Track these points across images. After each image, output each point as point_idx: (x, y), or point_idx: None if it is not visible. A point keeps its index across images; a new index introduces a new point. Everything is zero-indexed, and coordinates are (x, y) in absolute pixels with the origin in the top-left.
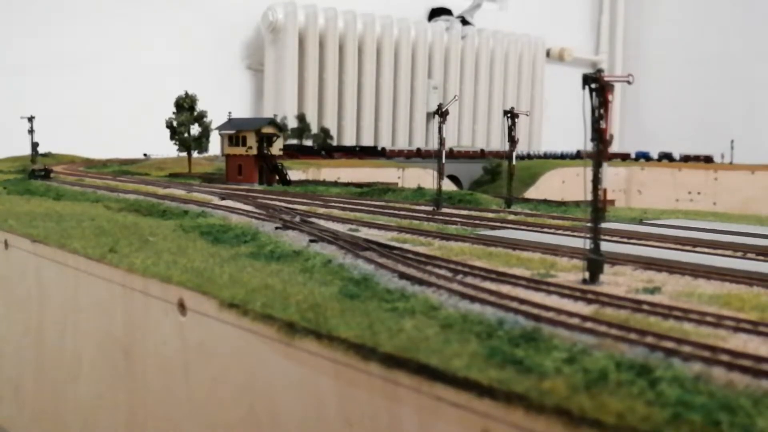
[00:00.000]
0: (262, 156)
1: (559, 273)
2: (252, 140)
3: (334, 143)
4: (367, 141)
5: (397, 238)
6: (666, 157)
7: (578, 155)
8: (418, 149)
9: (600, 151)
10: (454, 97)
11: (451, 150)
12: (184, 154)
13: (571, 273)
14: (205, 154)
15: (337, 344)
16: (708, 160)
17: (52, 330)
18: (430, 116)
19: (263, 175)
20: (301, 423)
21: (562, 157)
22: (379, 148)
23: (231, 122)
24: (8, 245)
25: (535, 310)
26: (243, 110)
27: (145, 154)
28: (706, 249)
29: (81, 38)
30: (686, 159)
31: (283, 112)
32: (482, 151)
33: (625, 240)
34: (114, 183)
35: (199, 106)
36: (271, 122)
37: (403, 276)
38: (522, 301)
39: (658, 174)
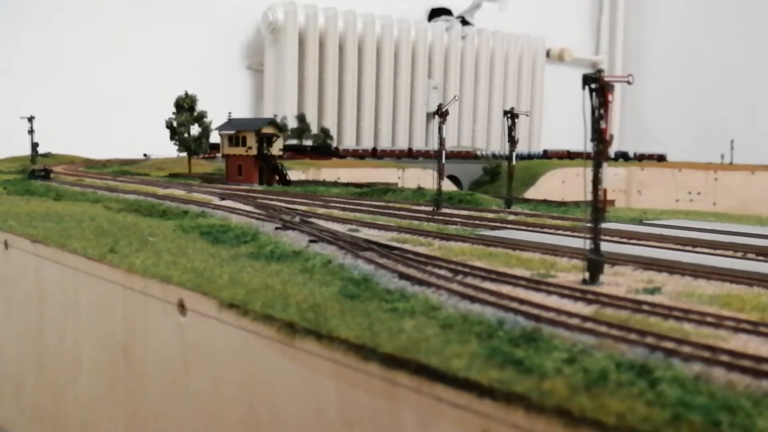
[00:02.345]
0: (262, 156)
1: (559, 273)
2: (252, 140)
3: (334, 143)
4: (368, 141)
5: (397, 238)
6: (623, 156)
7: (545, 155)
8: (374, 149)
9: (600, 151)
10: (454, 98)
11: (396, 150)
12: (184, 154)
13: (571, 273)
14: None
15: (337, 344)
16: (661, 158)
17: (52, 330)
18: (430, 116)
19: (263, 175)
20: (301, 423)
21: (530, 157)
22: (332, 148)
23: (231, 122)
24: (8, 245)
25: (536, 311)
26: (243, 110)
27: (145, 155)
28: (706, 249)
29: (81, 38)
30: (641, 158)
31: (283, 112)
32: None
33: (625, 240)
34: (114, 183)
35: (199, 107)
36: (271, 122)
37: (403, 276)
38: (522, 302)
39: (658, 174)
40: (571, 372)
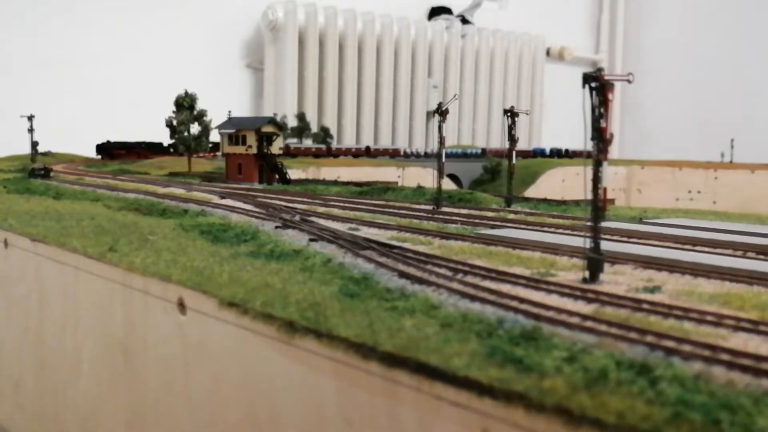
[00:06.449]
0: (262, 155)
1: (559, 272)
2: (252, 139)
3: (334, 142)
4: (368, 140)
5: (397, 237)
6: (557, 153)
7: (483, 153)
8: (297, 147)
9: (600, 150)
10: (454, 96)
11: (312, 149)
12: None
13: (571, 272)
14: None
15: (336, 343)
16: (590, 155)
17: (52, 329)
18: (430, 115)
19: (263, 174)
20: (301, 422)
21: (465, 155)
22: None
23: (231, 121)
24: (8, 244)
25: (535, 309)
26: (243, 109)
27: None
28: (706, 248)
29: (81, 38)
30: (572, 155)
31: (283, 111)
32: (367, 148)
33: (625, 239)
34: (114, 182)
35: (199, 105)
36: (271, 121)
37: (403, 275)
38: (522, 300)
39: (658, 173)
40: (571, 371)
